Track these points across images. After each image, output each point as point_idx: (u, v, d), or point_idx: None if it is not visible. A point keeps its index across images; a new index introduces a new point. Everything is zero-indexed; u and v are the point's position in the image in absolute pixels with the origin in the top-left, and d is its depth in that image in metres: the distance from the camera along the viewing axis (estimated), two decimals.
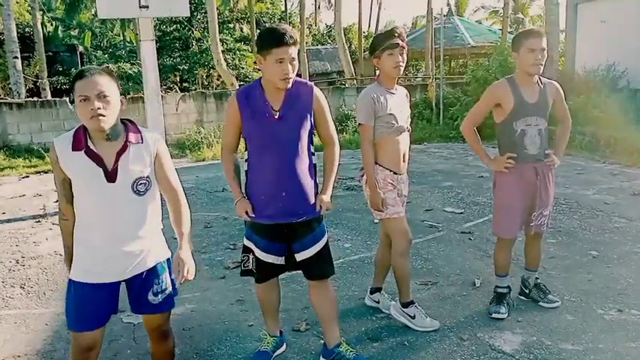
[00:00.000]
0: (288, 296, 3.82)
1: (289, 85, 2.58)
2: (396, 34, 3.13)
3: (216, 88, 22.04)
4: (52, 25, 26.98)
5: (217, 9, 20.62)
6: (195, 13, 25.18)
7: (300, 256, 2.80)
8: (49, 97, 18.07)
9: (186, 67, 25.70)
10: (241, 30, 29.89)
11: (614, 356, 2.97)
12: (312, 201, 2.73)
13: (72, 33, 27.78)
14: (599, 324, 3.33)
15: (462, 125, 3.54)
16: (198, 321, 3.59)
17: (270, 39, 2.51)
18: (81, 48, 27.00)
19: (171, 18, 23.28)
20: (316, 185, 2.78)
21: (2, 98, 14.74)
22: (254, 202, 2.70)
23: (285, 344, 3.15)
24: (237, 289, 4.11)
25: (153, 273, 2.34)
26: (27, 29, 23.64)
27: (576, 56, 12.77)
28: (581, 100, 10.27)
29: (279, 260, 2.81)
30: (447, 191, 7.18)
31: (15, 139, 12.52)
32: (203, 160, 11.51)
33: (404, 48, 3.16)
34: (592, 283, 3.93)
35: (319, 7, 41.15)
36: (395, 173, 3.25)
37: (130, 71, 24.25)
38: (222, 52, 18.94)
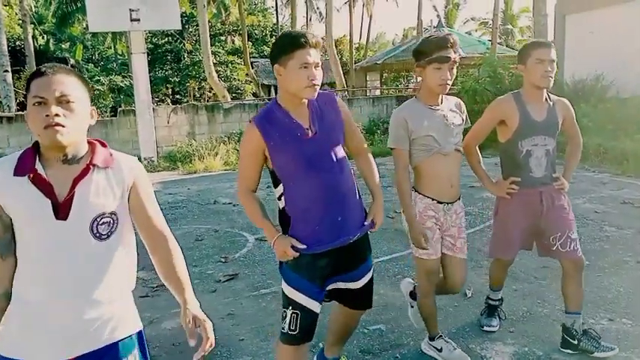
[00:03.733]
0: (279, 310, 3.79)
1: (316, 94, 2.23)
2: (449, 44, 2.66)
3: (207, 101, 22.09)
4: (43, 38, 26.99)
5: (209, 22, 20.70)
6: (186, 26, 25.27)
7: (344, 285, 2.48)
8: None
9: (177, 80, 25.76)
10: (233, 42, 30.04)
11: None
12: (364, 215, 2.45)
13: (63, 46, 27.79)
14: None
15: (464, 143, 3.12)
16: None
17: (291, 42, 2.16)
18: (72, 61, 27.02)
19: (163, 31, 23.34)
20: (361, 200, 2.49)
21: None
22: (302, 239, 2.30)
23: None
24: (227, 302, 4.09)
25: (115, 351, 1.67)
26: (18, 42, 23.65)
27: (565, 67, 12.90)
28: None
29: (319, 308, 2.41)
30: None
31: (5, 152, 12.43)
32: (194, 173, 11.49)
33: (455, 62, 2.70)
34: (585, 293, 3.93)
35: (310, 20, 41.32)
36: (439, 202, 2.84)
37: (121, 84, 24.28)
38: (214, 64, 19.00)
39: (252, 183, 2.36)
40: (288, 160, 2.25)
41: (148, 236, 1.77)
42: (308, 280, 2.34)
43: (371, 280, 2.56)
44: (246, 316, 3.79)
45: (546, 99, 3.05)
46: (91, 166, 1.62)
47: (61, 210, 1.57)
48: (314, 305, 2.36)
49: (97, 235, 1.61)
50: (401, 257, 4.99)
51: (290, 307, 2.35)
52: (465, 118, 2.95)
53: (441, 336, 3.14)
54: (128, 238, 1.73)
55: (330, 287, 2.46)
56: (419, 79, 2.92)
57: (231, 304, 4.06)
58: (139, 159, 13.08)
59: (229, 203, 7.88)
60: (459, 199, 2.93)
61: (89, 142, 1.70)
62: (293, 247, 2.27)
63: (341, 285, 2.48)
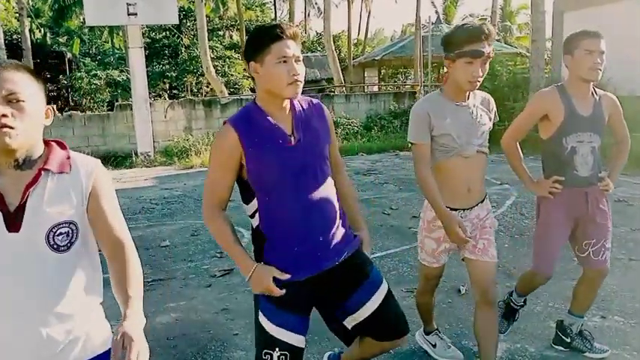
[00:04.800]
0: None
1: (299, 91, 1.96)
2: (484, 36, 2.33)
3: (205, 96, 22.07)
4: (40, 32, 26.88)
5: (207, 16, 20.65)
6: (184, 21, 25.21)
7: (358, 316, 2.09)
8: None
9: (175, 75, 25.70)
10: (231, 37, 29.96)
11: None
12: (350, 233, 2.15)
13: (60, 40, 27.69)
14: None
15: (503, 140, 2.96)
16: (182, 330, 3.57)
17: (265, 35, 1.91)
18: (69, 55, 26.94)
19: (161, 25, 23.27)
20: (344, 216, 2.17)
21: None
22: (280, 263, 1.99)
23: None
24: (222, 297, 4.10)
25: None
26: (15, 36, 23.55)
27: (562, 63, 12.91)
28: None
29: (303, 342, 2.06)
30: None
31: None
32: (191, 168, 11.49)
33: (489, 57, 2.38)
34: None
35: (309, 15, 41.31)
36: (452, 209, 2.54)
37: (118, 78, 24.22)
38: (212, 59, 18.98)
39: (224, 200, 2.03)
40: (267, 170, 1.94)
41: (106, 245, 1.57)
42: (293, 314, 2.00)
43: (388, 299, 2.12)
44: (240, 310, 3.80)
45: (592, 93, 2.85)
46: (43, 172, 1.45)
47: (12, 221, 1.40)
48: (302, 340, 2.03)
49: (55, 247, 1.44)
50: (395, 254, 5.01)
51: (277, 349, 1.97)
52: (492, 116, 2.66)
53: (436, 332, 3.14)
54: (93, 248, 1.58)
55: (339, 322, 2.13)
56: (446, 73, 2.58)
57: (225, 298, 4.07)
58: (135, 153, 13.06)
59: None
60: (483, 201, 2.63)
61: (46, 144, 1.52)
62: (276, 281, 1.95)
63: (350, 321, 2.11)
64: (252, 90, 25.87)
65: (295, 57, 1.92)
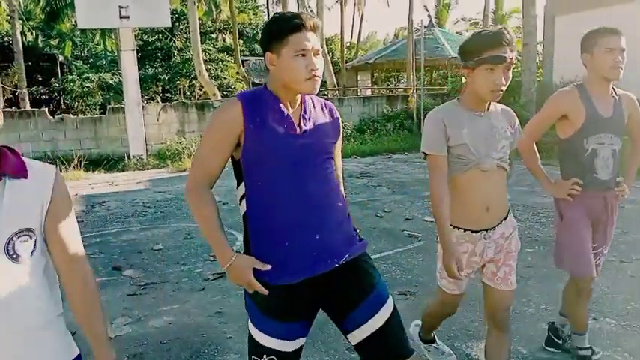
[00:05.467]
0: None
1: (317, 87, 1.83)
2: (505, 42, 2.15)
3: (198, 99, 22.03)
4: (32, 34, 26.75)
5: (200, 19, 20.65)
6: (177, 24, 25.18)
7: (358, 335, 1.91)
8: (28, 108, 17.85)
9: (167, 77, 25.65)
10: (224, 40, 29.96)
11: None
12: (355, 235, 1.98)
13: (52, 42, 27.58)
14: None
15: (520, 140, 2.70)
16: (176, 333, 3.56)
17: (284, 24, 1.77)
18: (61, 57, 26.84)
19: (153, 28, 23.23)
20: (349, 217, 2.01)
21: None
22: (269, 259, 1.83)
23: None
24: (216, 300, 4.09)
25: None
26: (6, 38, 23.44)
27: (554, 67, 13.01)
28: None
29: (301, 342, 1.92)
30: (427, 201, 7.24)
31: None
32: (184, 171, 11.45)
33: (512, 64, 2.20)
34: None
35: None
36: (473, 232, 2.36)
37: (110, 81, 24.15)
38: (205, 62, 18.96)
39: (213, 177, 1.86)
40: (265, 152, 1.80)
41: (61, 258, 1.47)
42: (282, 322, 1.84)
43: (393, 318, 1.92)
44: (234, 314, 3.80)
45: (612, 92, 2.74)
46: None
47: None
48: (295, 344, 1.88)
49: (14, 256, 1.35)
50: (388, 256, 5.02)
51: (264, 356, 1.85)
52: (515, 131, 2.43)
53: (433, 342, 3.03)
54: (49, 258, 1.48)
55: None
56: (465, 82, 2.39)
57: (219, 302, 4.07)
58: (128, 156, 12.99)
59: (219, 202, 7.87)
60: (507, 217, 2.42)
61: None
62: (266, 281, 1.79)
63: (351, 338, 1.94)
64: None
65: (314, 50, 1.79)
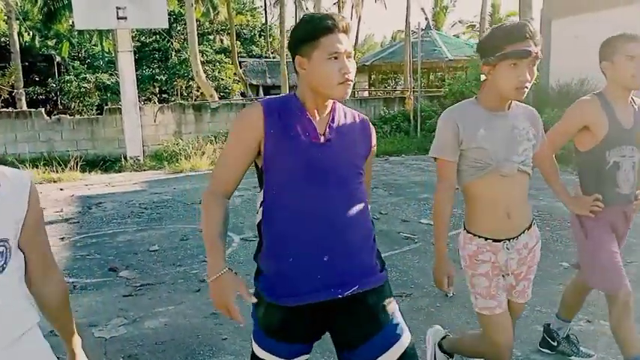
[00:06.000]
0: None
1: (349, 92, 1.73)
2: (528, 35, 1.99)
3: (195, 100, 22.02)
4: (29, 34, 26.72)
5: (197, 20, 20.65)
6: (174, 25, 25.18)
7: None
8: (25, 108, 17.83)
9: (165, 78, 25.64)
10: (221, 42, 29.98)
11: None
12: (373, 265, 1.80)
13: (49, 43, 27.54)
14: None
15: (537, 153, 2.47)
16: (171, 335, 3.56)
17: (315, 26, 1.66)
18: (58, 58, 26.80)
19: (150, 29, 23.22)
20: (377, 249, 1.86)
21: None
22: (272, 275, 1.72)
23: None
24: (211, 302, 4.06)
25: None
26: (3, 39, 23.40)
27: (550, 71, 13.04)
28: (555, 114, 10.48)
29: (304, 358, 1.83)
30: (423, 203, 7.27)
31: None
32: (181, 172, 11.45)
33: (537, 58, 2.02)
34: (561, 294, 3.99)
35: None
36: (495, 240, 2.20)
37: (107, 82, 24.14)
38: (202, 63, 18.97)
39: (231, 183, 1.76)
40: (283, 159, 1.70)
41: (38, 270, 1.45)
42: (286, 342, 1.75)
43: (410, 351, 1.76)
44: None
45: (631, 102, 2.60)
46: None
47: None
48: None
49: None
50: (384, 258, 5.01)
51: None
52: (538, 133, 2.27)
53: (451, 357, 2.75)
54: (23, 267, 1.43)
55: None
56: (484, 79, 2.17)
57: None
58: (125, 157, 13.00)
59: None
60: (530, 227, 2.28)
61: None
62: (257, 290, 1.71)
63: None
64: (242, 95, 25.90)
65: (347, 53, 1.69)
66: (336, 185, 1.71)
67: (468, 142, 2.12)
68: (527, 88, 2.02)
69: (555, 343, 3.11)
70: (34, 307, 1.45)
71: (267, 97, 1.87)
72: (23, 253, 1.41)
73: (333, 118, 1.78)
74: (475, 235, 2.22)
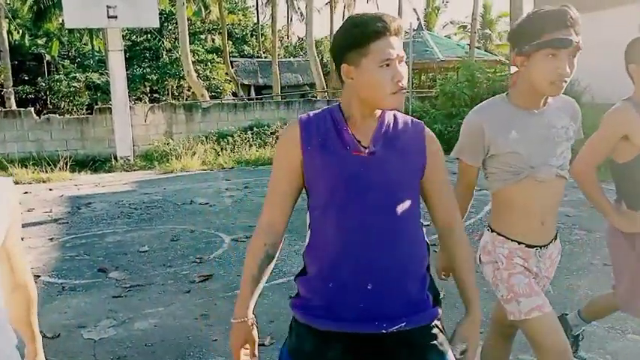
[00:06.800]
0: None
1: (402, 101, 1.55)
2: (570, 21, 1.78)
3: (186, 99, 21.95)
4: (18, 33, 26.53)
5: (189, 20, 20.58)
6: (165, 24, 25.09)
7: None
8: (14, 107, 17.69)
9: (156, 78, 25.55)
10: (213, 41, 29.91)
11: None
12: (424, 298, 1.57)
13: (39, 42, 27.36)
14: None
15: (576, 167, 2.36)
16: (161, 336, 3.54)
17: (365, 31, 1.46)
18: (48, 57, 26.62)
19: (141, 28, 23.12)
20: (429, 278, 1.62)
21: None
22: (313, 299, 1.56)
23: None
24: (201, 303, 4.08)
25: None
26: None
27: None
28: None
29: None
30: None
31: None
32: (171, 172, 11.41)
33: (579, 49, 1.81)
34: (552, 295, 3.95)
35: (291, 20, 41.35)
36: (528, 246, 2.03)
37: (98, 81, 24.01)
38: (193, 63, 18.90)
39: (278, 211, 1.59)
40: (319, 175, 1.54)
41: (13, 274, 1.43)
42: None
43: None
44: (220, 316, 3.79)
45: None
46: None
47: None
48: None
49: None
50: None
51: None
52: (578, 129, 2.08)
53: None
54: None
55: None
56: (515, 72, 1.97)
57: (205, 304, 4.05)
58: (115, 157, 12.94)
59: (206, 203, 7.85)
60: (556, 237, 2.13)
61: None
62: (294, 307, 1.59)
63: None
64: (234, 94, 25.85)
65: (399, 58, 1.48)
66: (382, 204, 1.51)
67: (498, 148, 1.93)
68: (565, 82, 1.80)
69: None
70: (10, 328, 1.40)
71: (308, 113, 1.65)
72: None
73: (380, 128, 1.57)
74: (507, 239, 2.03)
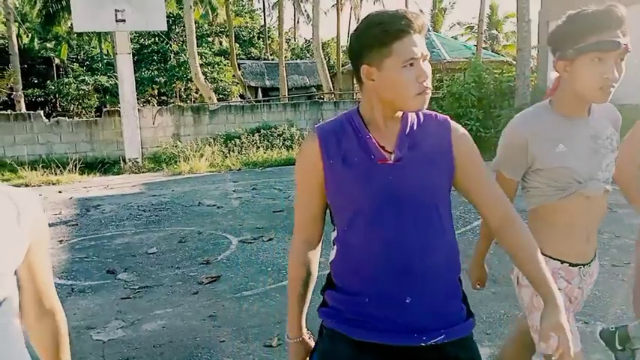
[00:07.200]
0: (261, 312, 3.83)
1: (427, 102, 1.44)
2: (616, 22, 1.63)
3: (194, 102, 22.03)
4: (27, 36, 26.73)
5: (196, 22, 20.68)
6: (173, 27, 25.23)
7: None
8: (24, 110, 17.83)
9: (164, 81, 25.68)
10: (220, 44, 30.03)
11: None
12: (459, 311, 1.52)
13: (48, 45, 27.56)
14: None
15: (619, 174, 2.09)
16: (169, 337, 3.57)
17: (390, 29, 1.36)
18: (57, 60, 26.83)
19: (149, 31, 23.25)
20: (460, 283, 1.56)
21: None
22: (344, 306, 1.50)
23: None
24: (209, 304, 4.10)
25: None
26: (1, 41, 23.40)
27: (548, 72, 13.06)
28: None
29: None
30: None
31: None
32: (179, 174, 11.47)
33: (627, 51, 1.64)
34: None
35: (298, 22, 41.46)
36: (571, 265, 1.88)
37: (106, 84, 24.16)
38: (201, 65, 18.98)
39: (310, 229, 1.56)
40: (344, 188, 1.46)
41: (31, 299, 1.28)
42: None
43: None
44: (227, 317, 3.81)
45: None
46: None
47: None
48: None
49: None
50: None
51: None
52: (618, 138, 1.91)
53: None
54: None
55: None
56: (556, 77, 1.84)
57: (212, 305, 4.07)
58: (123, 160, 13.01)
59: (214, 205, 7.88)
60: (596, 255, 1.98)
61: None
62: (325, 317, 1.53)
63: None
64: (241, 97, 25.92)
65: (424, 56, 1.40)
66: (414, 214, 1.43)
67: (544, 162, 1.78)
68: (613, 88, 1.66)
69: (621, 348, 2.69)
70: (25, 352, 1.25)
71: (326, 122, 1.58)
72: (18, 282, 1.23)
73: (404, 130, 1.47)
74: (550, 258, 1.85)
